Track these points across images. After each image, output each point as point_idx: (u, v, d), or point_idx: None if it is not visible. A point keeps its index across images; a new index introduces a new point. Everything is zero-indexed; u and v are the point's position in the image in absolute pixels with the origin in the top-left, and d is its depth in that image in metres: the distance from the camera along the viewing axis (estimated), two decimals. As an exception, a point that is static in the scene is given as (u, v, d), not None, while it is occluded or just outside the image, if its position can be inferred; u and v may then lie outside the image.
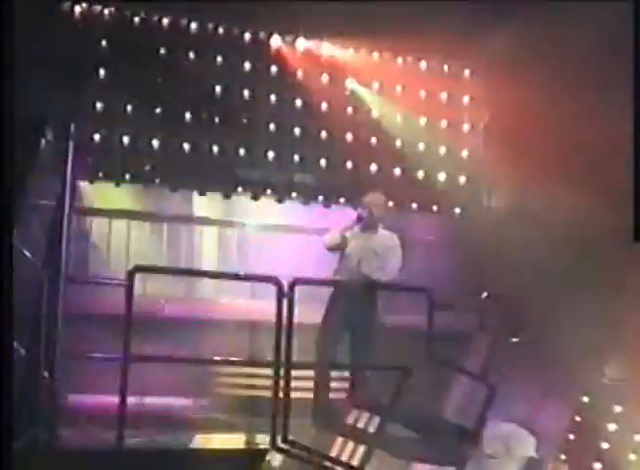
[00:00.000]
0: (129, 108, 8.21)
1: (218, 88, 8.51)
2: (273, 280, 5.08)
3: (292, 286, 5.02)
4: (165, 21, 8.38)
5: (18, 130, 4.47)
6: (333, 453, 5.29)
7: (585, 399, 6.91)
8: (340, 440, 5.41)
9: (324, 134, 8.79)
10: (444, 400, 7.40)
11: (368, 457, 5.01)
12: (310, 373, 6.14)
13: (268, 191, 8.76)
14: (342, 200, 8.86)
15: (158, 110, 8.27)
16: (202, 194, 8.69)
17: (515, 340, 7.47)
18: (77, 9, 8.05)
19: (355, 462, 5.07)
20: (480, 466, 5.96)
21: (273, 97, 8.68)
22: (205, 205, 9.06)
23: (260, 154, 8.62)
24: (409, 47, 8.68)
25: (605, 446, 6.68)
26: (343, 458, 5.18)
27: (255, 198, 8.73)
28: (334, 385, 6.39)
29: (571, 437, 6.87)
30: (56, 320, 5.30)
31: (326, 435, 5.51)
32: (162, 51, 8.34)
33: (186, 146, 8.37)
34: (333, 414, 5.93)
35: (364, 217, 6.52)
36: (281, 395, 4.88)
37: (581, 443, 6.80)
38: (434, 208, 9.18)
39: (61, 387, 5.26)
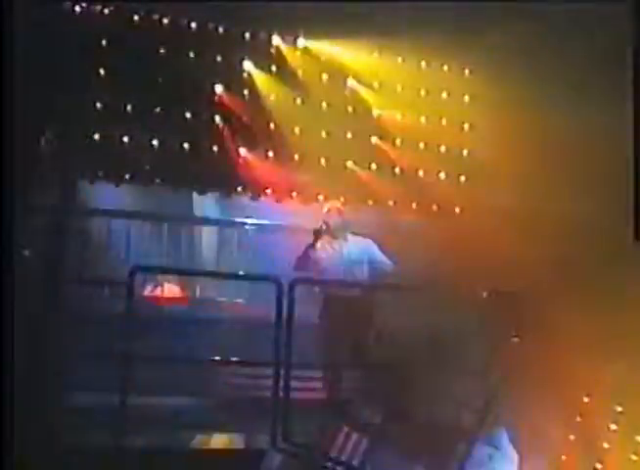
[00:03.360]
0: (129, 108, 8.21)
1: (218, 88, 8.51)
2: (273, 280, 5.08)
3: (292, 286, 5.02)
4: (165, 20, 8.38)
5: (18, 130, 4.46)
6: (333, 453, 5.28)
7: (585, 399, 6.89)
8: (340, 439, 5.40)
9: (324, 134, 8.79)
10: (444, 401, 7.39)
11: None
12: (311, 373, 6.16)
13: (268, 191, 8.76)
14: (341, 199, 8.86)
15: (158, 110, 8.27)
16: (202, 194, 8.68)
17: (515, 340, 7.45)
18: (77, 9, 8.05)
19: (356, 462, 5.07)
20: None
21: (272, 97, 8.68)
22: (205, 205, 9.06)
23: (260, 154, 8.62)
24: (409, 47, 8.67)
25: (605, 445, 6.67)
26: (344, 458, 5.18)
27: (255, 198, 8.73)
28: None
29: (571, 437, 6.86)
30: (56, 320, 5.30)
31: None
32: (162, 51, 8.34)
33: (186, 146, 8.37)
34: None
35: (322, 230, 6.56)
36: (281, 395, 4.88)
37: (581, 443, 6.78)
38: (434, 208, 9.18)
39: (61, 387, 5.26)
